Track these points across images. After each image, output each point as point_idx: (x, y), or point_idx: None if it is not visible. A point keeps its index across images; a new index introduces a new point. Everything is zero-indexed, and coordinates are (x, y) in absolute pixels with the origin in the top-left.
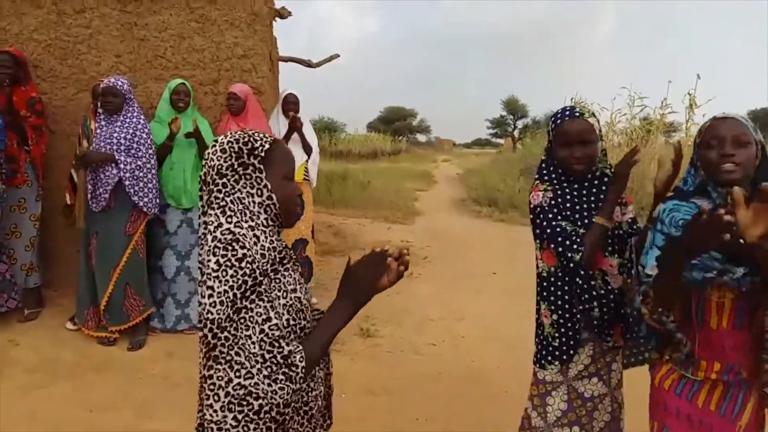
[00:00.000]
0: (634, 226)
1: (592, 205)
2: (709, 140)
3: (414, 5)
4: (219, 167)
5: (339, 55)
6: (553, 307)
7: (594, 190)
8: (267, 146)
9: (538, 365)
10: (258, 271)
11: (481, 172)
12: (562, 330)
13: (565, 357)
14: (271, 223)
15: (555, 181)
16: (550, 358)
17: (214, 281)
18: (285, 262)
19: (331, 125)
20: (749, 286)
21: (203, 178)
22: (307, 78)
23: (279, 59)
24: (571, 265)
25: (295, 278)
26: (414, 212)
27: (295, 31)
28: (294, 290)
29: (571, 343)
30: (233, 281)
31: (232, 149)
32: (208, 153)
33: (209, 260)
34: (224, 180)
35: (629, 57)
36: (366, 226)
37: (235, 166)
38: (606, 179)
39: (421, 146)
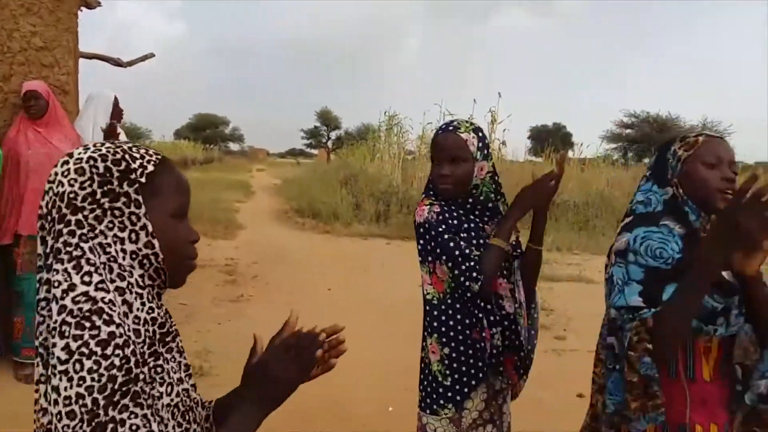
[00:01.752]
0: (518, 249)
1: (480, 233)
2: (709, 158)
3: (225, 12)
4: (72, 197)
5: (154, 55)
6: (444, 339)
7: (476, 214)
8: (150, 168)
9: (427, 411)
10: (133, 361)
11: (301, 182)
12: (455, 365)
13: (459, 398)
14: (149, 282)
15: (440, 199)
16: (442, 401)
17: (62, 380)
18: (168, 340)
19: (135, 132)
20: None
21: (44, 211)
22: (105, 80)
23: (81, 56)
24: (468, 294)
25: (181, 362)
26: (236, 226)
27: (96, 30)
28: (180, 380)
29: (465, 380)
30: (94, 380)
31: (94, 170)
32: (54, 174)
33: (55, 345)
34: (80, 217)
35: (439, 75)
36: None
37: (98, 197)
38: (490, 204)
39: (234, 155)
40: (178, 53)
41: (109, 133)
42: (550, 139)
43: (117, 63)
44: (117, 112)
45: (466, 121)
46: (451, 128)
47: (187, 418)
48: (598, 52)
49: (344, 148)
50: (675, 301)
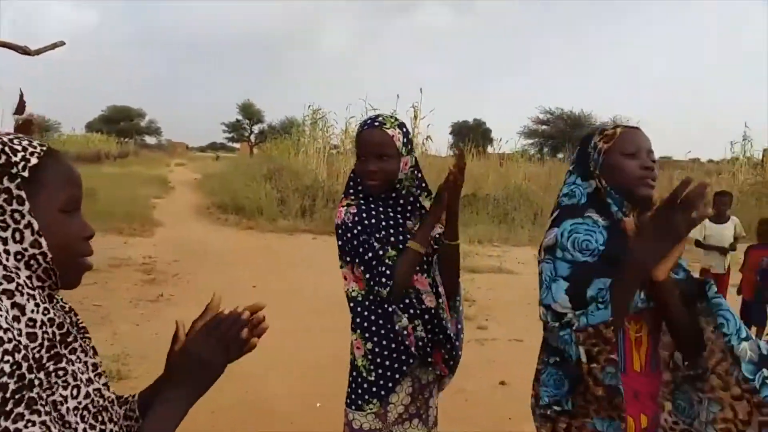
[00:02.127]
0: (438, 243)
1: (399, 228)
2: (628, 148)
3: (143, 2)
4: None
5: (64, 43)
6: (367, 335)
7: (399, 209)
8: (33, 161)
9: (353, 407)
10: (26, 366)
11: (223, 177)
12: (378, 360)
13: (383, 392)
14: (38, 283)
15: (361, 196)
16: (366, 396)
17: None
18: (70, 340)
19: (43, 124)
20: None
21: None
22: (11, 69)
23: None
24: (379, 299)
25: (88, 362)
26: (153, 223)
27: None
28: (90, 381)
29: (389, 374)
30: None
31: None
32: None
33: None
34: None
35: (363, 70)
36: (96, 241)
37: None
38: (411, 199)
39: (151, 149)
40: (92, 43)
41: (25, 128)
42: (471, 134)
43: (24, 51)
44: (21, 105)
45: (391, 117)
46: (376, 124)
47: (100, 418)
48: (518, 50)
49: (268, 142)
50: (615, 308)
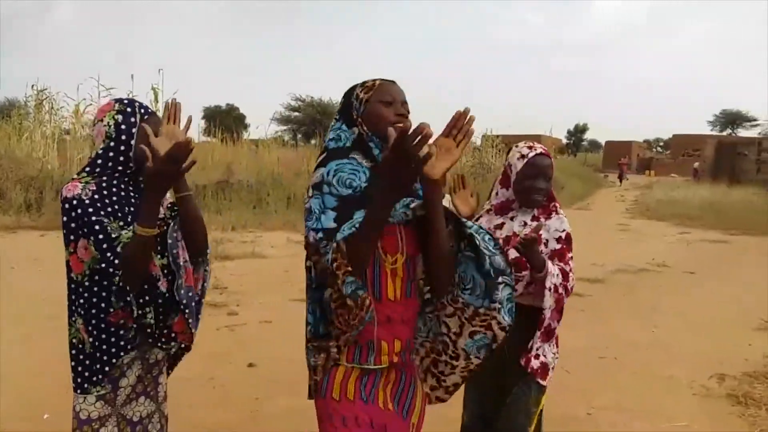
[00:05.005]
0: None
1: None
2: (385, 98)
3: None
4: None
5: None
6: (88, 318)
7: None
8: None
9: (79, 391)
10: None
11: None
12: (97, 343)
13: (108, 368)
14: None
15: (106, 174)
16: (94, 378)
17: None
18: None
19: None
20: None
21: None
22: None
23: None
24: (104, 281)
25: None
26: None
27: None
28: None
29: (107, 358)
30: None
31: None
32: None
33: None
34: None
35: (95, 47)
36: None
37: None
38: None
39: None
40: None
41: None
42: (223, 119)
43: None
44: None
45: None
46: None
47: None
48: (273, 37)
49: None
50: (362, 224)
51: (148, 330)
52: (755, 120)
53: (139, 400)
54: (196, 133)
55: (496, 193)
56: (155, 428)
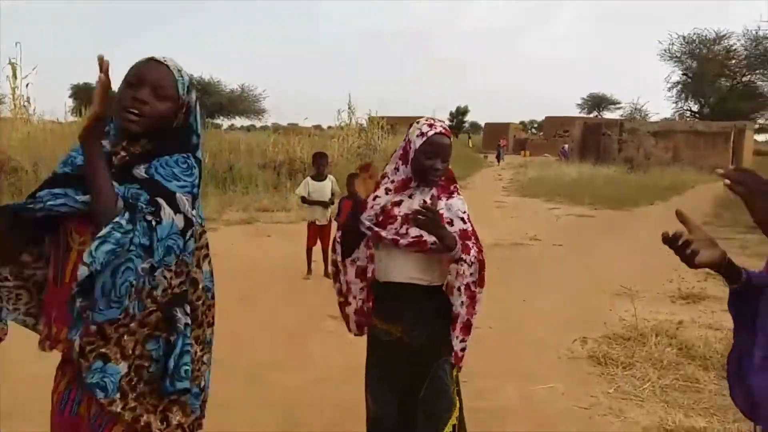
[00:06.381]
0: None
1: None
2: (129, 78)
3: None
4: None
5: None
6: None
7: None
8: None
9: None
10: None
11: None
12: None
13: None
14: None
15: None
16: None
17: None
18: None
19: None
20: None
21: None
22: None
23: None
24: None
25: None
26: None
27: None
28: None
29: None
30: None
31: None
32: None
33: None
34: None
35: None
36: None
37: None
38: None
39: None
40: None
41: None
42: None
43: None
44: None
45: None
46: None
47: None
48: (142, 13)
49: None
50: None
51: None
52: (619, 102)
53: None
54: (62, 112)
55: (396, 169)
56: None
